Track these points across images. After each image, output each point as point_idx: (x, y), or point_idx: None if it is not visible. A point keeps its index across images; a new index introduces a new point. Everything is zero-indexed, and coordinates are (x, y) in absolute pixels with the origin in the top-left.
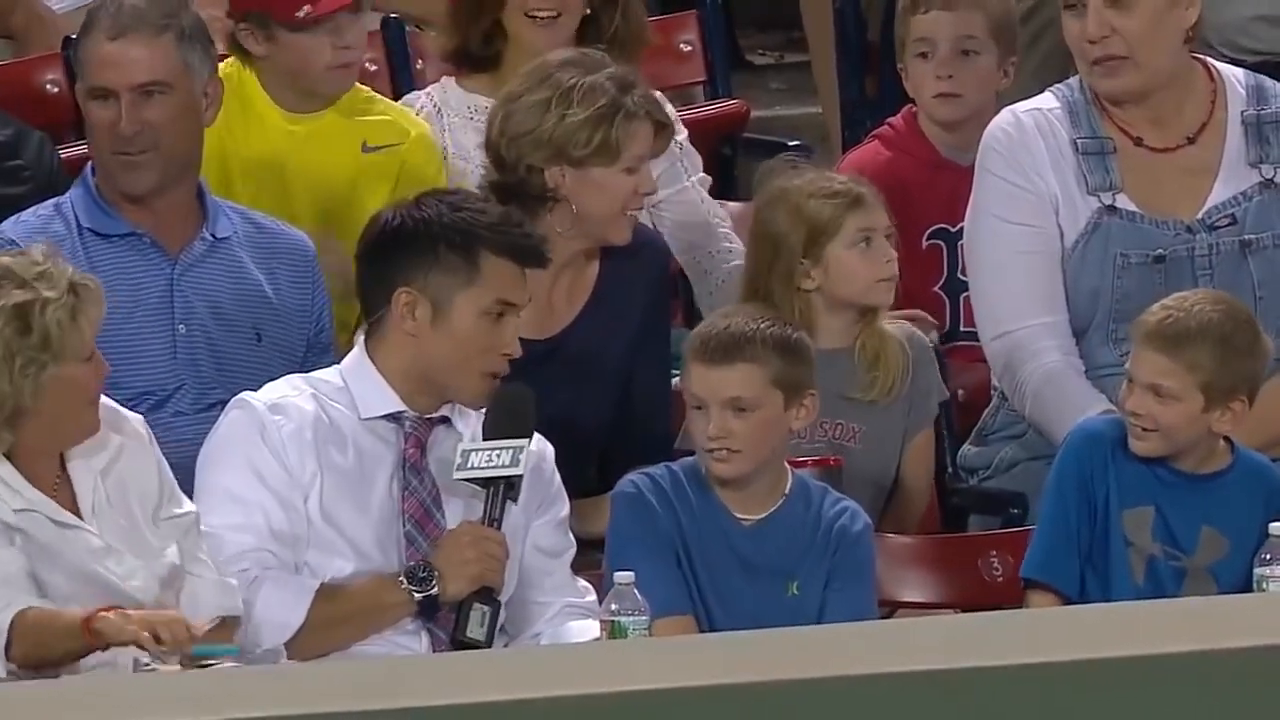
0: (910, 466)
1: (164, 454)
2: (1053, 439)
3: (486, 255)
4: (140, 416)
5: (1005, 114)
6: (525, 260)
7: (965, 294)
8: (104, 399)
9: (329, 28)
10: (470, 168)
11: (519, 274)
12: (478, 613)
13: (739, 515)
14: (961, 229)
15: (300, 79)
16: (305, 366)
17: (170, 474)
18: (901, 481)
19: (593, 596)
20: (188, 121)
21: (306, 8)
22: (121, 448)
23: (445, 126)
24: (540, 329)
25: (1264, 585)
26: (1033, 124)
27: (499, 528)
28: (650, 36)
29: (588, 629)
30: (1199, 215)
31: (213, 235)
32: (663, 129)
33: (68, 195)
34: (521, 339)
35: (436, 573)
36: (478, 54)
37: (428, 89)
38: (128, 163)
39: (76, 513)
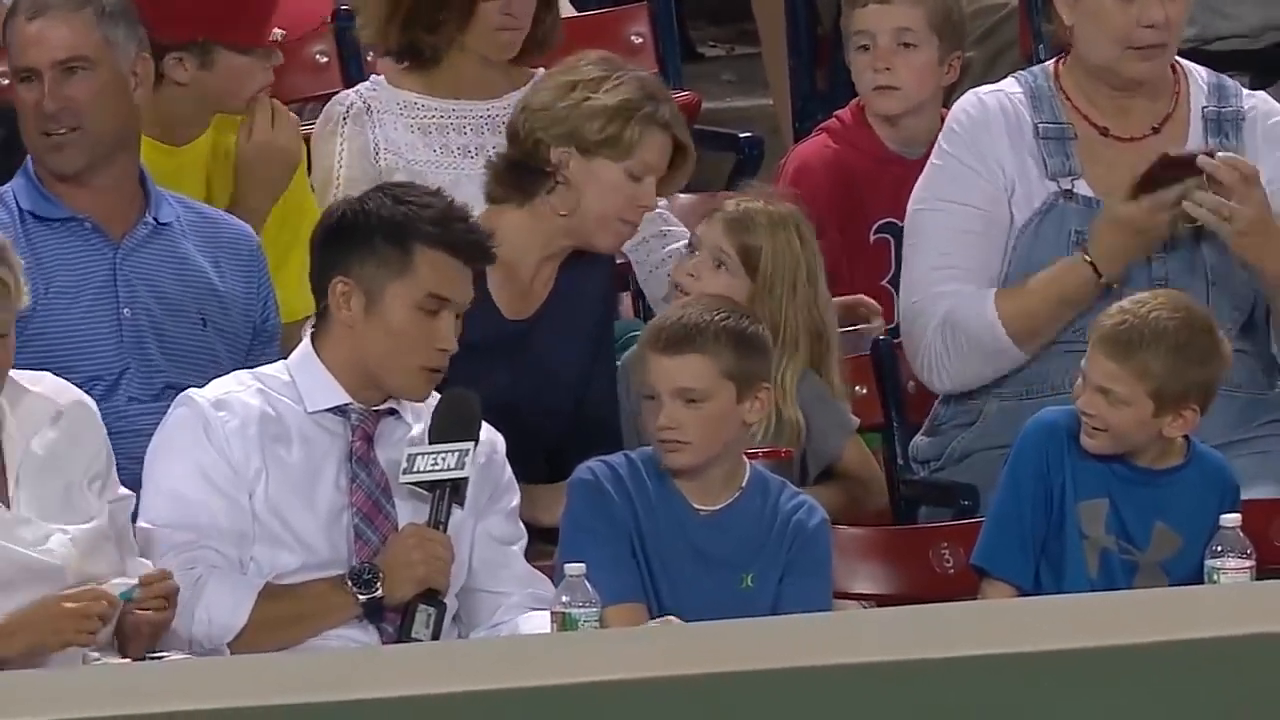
0: (846, 467)
1: (119, 442)
2: (977, 358)
3: (421, 248)
4: (87, 396)
5: (969, 95)
6: (463, 255)
7: None
8: (50, 377)
9: (266, 51)
10: (401, 163)
11: (457, 269)
12: (423, 614)
13: (696, 506)
14: None
15: (225, 103)
16: (252, 353)
17: (111, 457)
18: (843, 475)
19: (553, 589)
20: (114, 99)
21: (279, 31)
22: (60, 414)
23: (375, 123)
24: (518, 310)
25: (1215, 577)
26: (995, 104)
27: (445, 530)
28: (562, 37)
29: (545, 622)
30: None
31: (155, 220)
32: (682, 152)
33: (9, 184)
34: (503, 318)
35: (381, 574)
36: (426, 54)
37: (356, 87)
38: (54, 143)
39: (4, 485)
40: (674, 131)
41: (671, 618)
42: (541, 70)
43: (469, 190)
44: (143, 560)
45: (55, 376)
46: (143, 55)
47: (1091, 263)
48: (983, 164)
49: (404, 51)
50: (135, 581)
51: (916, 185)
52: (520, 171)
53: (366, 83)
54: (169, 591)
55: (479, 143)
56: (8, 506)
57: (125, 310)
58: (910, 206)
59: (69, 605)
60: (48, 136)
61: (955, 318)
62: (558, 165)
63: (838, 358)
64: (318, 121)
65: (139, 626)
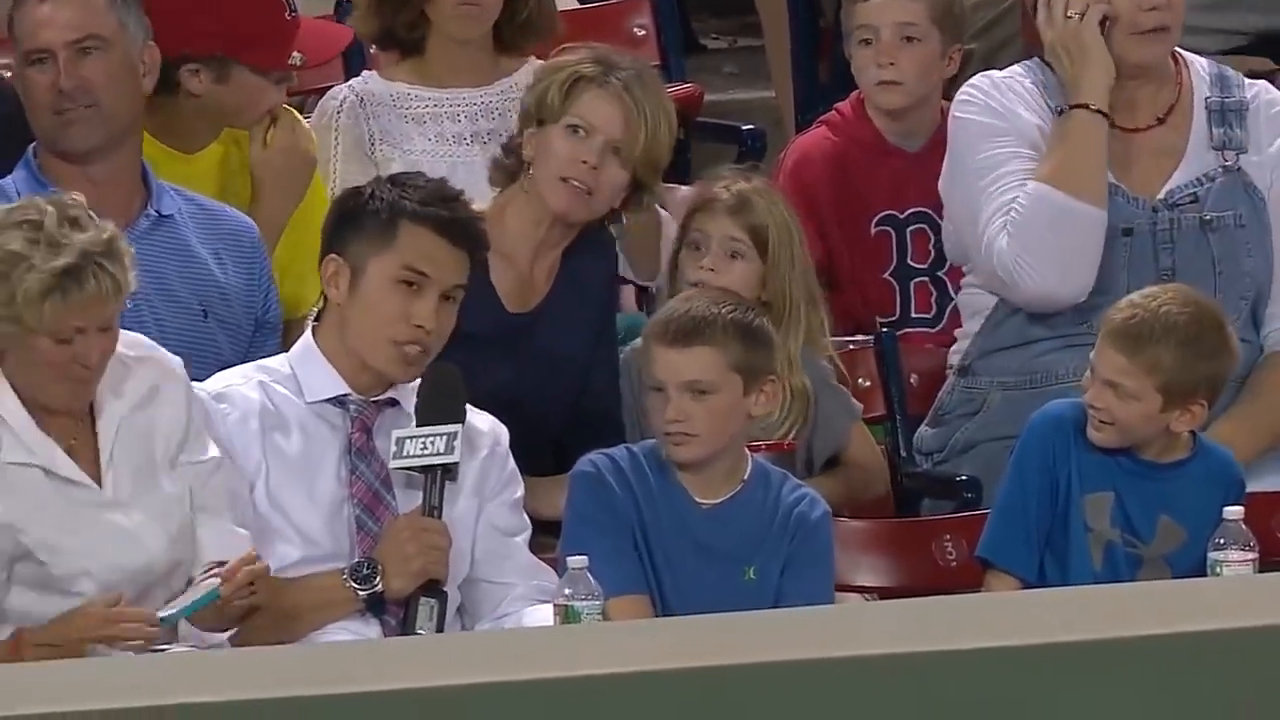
0: (850, 454)
1: None
2: (1052, 234)
3: (405, 223)
4: (179, 359)
5: (977, 77)
6: (446, 232)
7: (915, 280)
8: (144, 341)
9: (283, 74)
10: (397, 154)
11: (440, 246)
12: (425, 607)
13: (698, 499)
14: (910, 215)
15: (236, 119)
16: (254, 344)
17: (199, 419)
18: (847, 463)
19: (556, 582)
20: (127, 81)
21: (299, 56)
22: (154, 391)
23: (369, 115)
24: (520, 303)
25: (1218, 569)
26: (1007, 85)
27: (440, 515)
28: (561, 29)
29: (549, 615)
30: (1161, 195)
31: (157, 212)
32: (634, 113)
33: (10, 177)
34: (505, 310)
35: (380, 568)
36: (403, 37)
37: (349, 81)
38: (68, 120)
39: (96, 463)
40: (619, 93)
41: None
42: (533, 58)
43: (466, 178)
44: (237, 531)
45: (146, 340)
46: (149, 44)
47: (1071, 106)
48: (1005, 121)
49: (384, 38)
50: (216, 582)
51: (944, 165)
52: (507, 160)
53: (359, 77)
54: (255, 575)
55: (473, 130)
56: (101, 488)
57: (127, 302)
58: (943, 184)
59: (107, 630)
60: (61, 115)
61: (1014, 216)
62: (523, 143)
63: (825, 321)
64: (312, 117)
65: (229, 612)
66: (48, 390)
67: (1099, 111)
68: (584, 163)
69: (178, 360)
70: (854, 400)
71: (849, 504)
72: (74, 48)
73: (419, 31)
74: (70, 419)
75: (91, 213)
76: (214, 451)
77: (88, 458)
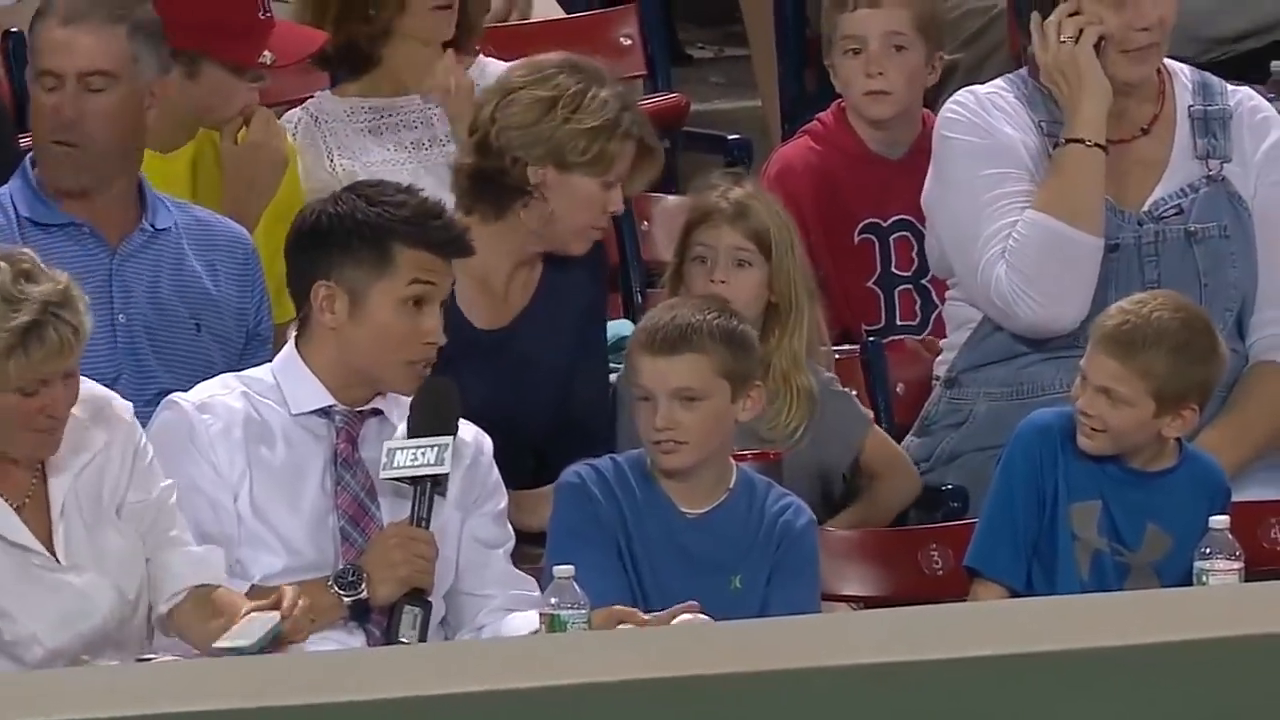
0: (868, 464)
1: None
2: (1053, 262)
3: (400, 248)
4: (128, 404)
5: (961, 93)
6: (441, 251)
7: (899, 288)
8: (95, 388)
9: (256, 72)
10: (358, 165)
11: (437, 264)
12: (409, 615)
13: (683, 508)
14: (893, 223)
15: (207, 117)
16: (245, 357)
17: (145, 458)
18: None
19: (536, 590)
20: (127, 117)
21: (269, 55)
22: (105, 445)
23: (325, 132)
24: (493, 319)
25: (1204, 579)
26: (991, 102)
27: (427, 526)
28: (482, 27)
29: (529, 622)
30: (1145, 208)
31: (152, 226)
32: (650, 153)
33: (6, 187)
34: (475, 328)
35: (365, 576)
36: (365, 53)
37: (304, 103)
38: (63, 154)
39: (47, 521)
40: (642, 139)
41: (689, 615)
42: (486, 59)
43: (429, 181)
44: (197, 551)
45: (97, 390)
46: (162, 78)
47: (1067, 140)
48: (992, 137)
49: (344, 51)
50: (275, 618)
51: (928, 181)
52: (493, 186)
53: (312, 98)
54: (296, 602)
55: (430, 134)
56: (52, 551)
57: (120, 316)
58: (929, 201)
59: None
60: (57, 146)
61: (1012, 245)
62: (537, 184)
63: (822, 309)
64: None
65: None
66: (14, 442)
67: (1095, 144)
68: (614, 211)
69: (127, 406)
70: (860, 405)
71: (887, 517)
72: (83, 79)
73: (380, 40)
74: (23, 478)
75: (42, 264)
76: (165, 482)
77: (39, 516)
